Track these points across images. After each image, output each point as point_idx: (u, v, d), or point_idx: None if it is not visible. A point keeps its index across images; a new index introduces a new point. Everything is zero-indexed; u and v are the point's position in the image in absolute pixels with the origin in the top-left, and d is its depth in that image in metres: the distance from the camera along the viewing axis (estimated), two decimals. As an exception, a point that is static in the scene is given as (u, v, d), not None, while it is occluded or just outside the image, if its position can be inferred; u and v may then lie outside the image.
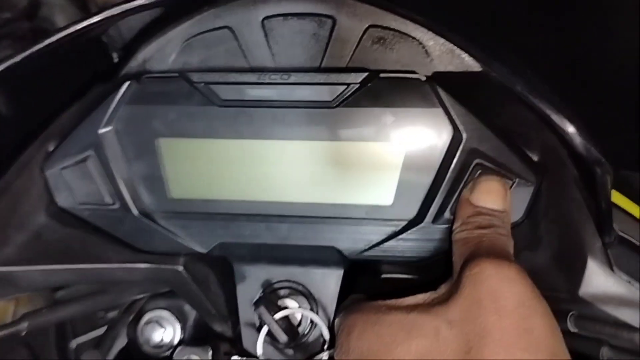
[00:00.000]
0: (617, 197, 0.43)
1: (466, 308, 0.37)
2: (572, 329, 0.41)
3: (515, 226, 0.47)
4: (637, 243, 0.42)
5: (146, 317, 0.58)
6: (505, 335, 0.34)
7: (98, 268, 0.50)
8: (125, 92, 0.48)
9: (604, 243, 0.41)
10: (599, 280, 0.41)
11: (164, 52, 0.51)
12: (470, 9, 0.50)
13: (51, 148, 0.51)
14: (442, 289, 0.41)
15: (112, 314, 0.67)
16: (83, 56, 0.53)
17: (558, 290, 0.43)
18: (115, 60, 0.54)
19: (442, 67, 0.49)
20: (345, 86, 0.46)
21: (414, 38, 0.49)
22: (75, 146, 0.50)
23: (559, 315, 0.40)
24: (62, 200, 0.51)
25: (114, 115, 0.48)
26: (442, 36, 0.43)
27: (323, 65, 0.50)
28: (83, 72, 0.54)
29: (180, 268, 0.51)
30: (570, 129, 0.37)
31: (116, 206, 0.51)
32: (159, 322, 0.58)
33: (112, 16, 0.43)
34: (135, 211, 0.50)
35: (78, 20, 0.42)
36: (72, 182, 0.51)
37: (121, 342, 0.60)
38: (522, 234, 0.47)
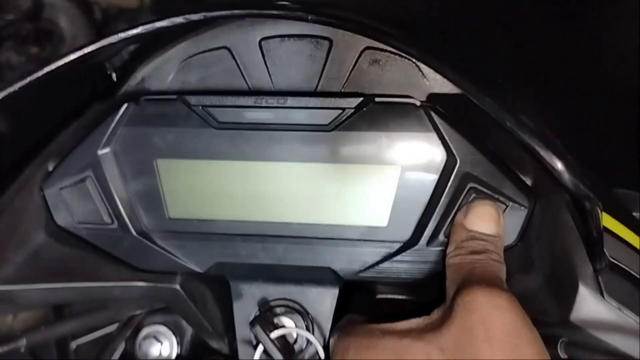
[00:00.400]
0: (609, 222, 0.43)
1: (458, 336, 0.37)
2: (563, 355, 0.42)
3: (507, 249, 0.48)
4: (629, 270, 0.42)
5: (144, 331, 0.59)
6: None
7: (96, 286, 0.51)
8: (123, 113, 0.49)
9: (595, 269, 0.42)
10: (589, 306, 0.41)
11: (163, 71, 0.52)
12: (471, 10, 0.50)
13: (50, 168, 0.52)
14: (435, 314, 0.42)
15: (110, 328, 0.68)
16: (82, 75, 0.53)
17: (549, 314, 0.43)
18: (114, 79, 0.54)
19: (437, 89, 0.49)
20: (340, 110, 0.47)
21: (409, 60, 0.49)
22: (74, 166, 0.50)
23: (550, 340, 0.41)
24: (61, 219, 0.52)
25: (112, 136, 0.49)
26: (433, 68, 0.43)
27: (320, 85, 0.51)
28: (82, 90, 0.54)
29: (177, 287, 0.51)
30: (559, 165, 0.37)
31: (114, 226, 0.51)
32: (156, 337, 0.58)
33: (110, 44, 0.43)
34: (133, 231, 0.51)
35: (75, 49, 0.43)
36: (71, 201, 0.51)
37: (119, 356, 0.61)
38: (515, 258, 0.47)
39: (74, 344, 0.65)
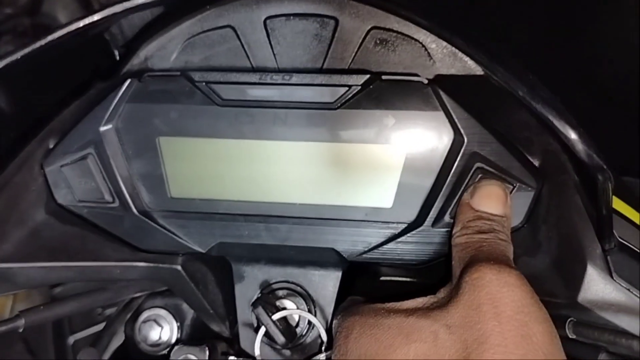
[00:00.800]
0: (617, 204, 0.43)
1: (465, 313, 0.37)
2: (571, 335, 0.41)
3: (515, 231, 0.47)
4: (638, 250, 0.41)
5: (144, 315, 0.58)
6: (504, 341, 0.34)
7: (96, 266, 0.50)
8: (126, 89, 0.48)
9: (604, 249, 0.41)
10: (598, 286, 0.41)
11: (166, 50, 0.51)
12: (472, 11, 0.50)
13: (51, 145, 0.51)
14: (442, 293, 0.41)
15: (109, 311, 0.67)
16: (85, 53, 0.53)
17: (557, 295, 0.43)
18: (117, 57, 0.54)
19: (444, 70, 0.49)
20: (347, 88, 0.46)
21: (416, 40, 0.48)
22: (76, 143, 0.50)
23: (558, 321, 0.40)
24: (62, 197, 0.51)
25: (114, 113, 0.48)
26: (445, 39, 0.43)
27: (325, 66, 0.50)
28: (84, 69, 0.54)
29: (179, 267, 0.51)
30: (573, 135, 0.36)
31: (115, 204, 0.51)
32: (156, 321, 0.57)
33: (115, 14, 0.43)
34: (134, 210, 0.50)
35: (80, 17, 0.42)
36: (72, 179, 0.50)
37: (118, 340, 0.60)
38: (522, 239, 0.47)
39: (71, 339, 0.64)
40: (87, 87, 0.53)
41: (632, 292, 0.40)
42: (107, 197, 0.51)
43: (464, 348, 0.35)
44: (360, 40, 0.49)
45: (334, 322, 0.47)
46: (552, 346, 0.35)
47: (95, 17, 0.42)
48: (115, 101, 0.48)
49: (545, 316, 0.37)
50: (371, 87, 0.46)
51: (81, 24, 0.42)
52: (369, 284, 0.53)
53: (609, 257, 0.41)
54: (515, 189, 0.46)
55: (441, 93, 0.45)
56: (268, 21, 0.50)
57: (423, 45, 0.49)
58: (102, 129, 0.49)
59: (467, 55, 0.41)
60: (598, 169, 0.37)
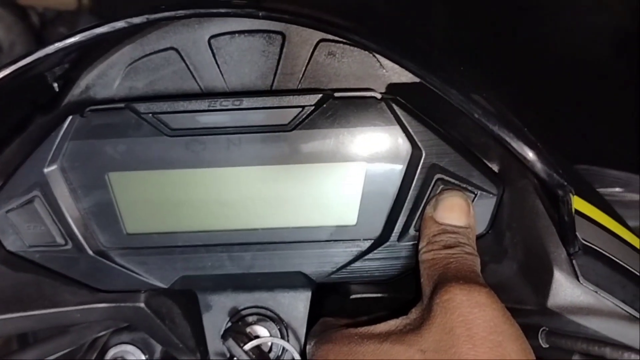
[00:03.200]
0: (579, 204, 0.43)
1: (439, 337, 0.36)
2: (544, 345, 0.41)
3: (479, 238, 0.47)
4: (602, 251, 0.42)
5: (110, 353, 0.56)
6: None
7: (55, 312, 0.48)
8: (68, 127, 0.46)
9: (569, 254, 0.41)
10: (566, 291, 0.41)
11: (108, 77, 0.49)
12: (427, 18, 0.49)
13: (-6, 190, 0.48)
14: (413, 314, 0.41)
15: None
16: (21, 87, 0.50)
17: (526, 302, 0.43)
18: (56, 89, 0.51)
19: (396, 79, 0.48)
20: (300, 108, 0.45)
21: (366, 51, 0.47)
22: (20, 187, 0.47)
23: (529, 330, 0.40)
24: (10, 244, 0.49)
25: (58, 152, 0.46)
26: (397, 63, 0.42)
27: (275, 83, 0.48)
28: (22, 104, 0.51)
29: (142, 305, 0.49)
30: (531, 155, 0.36)
31: (68, 246, 0.48)
32: (124, 358, 0.56)
33: (48, 55, 0.40)
34: (89, 250, 0.48)
35: (11, 62, 0.40)
36: (20, 224, 0.48)
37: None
38: (487, 247, 0.47)
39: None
40: (27, 123, 0.50)
41: (599, 295, 0.40)
42: (59, 240, 0.48)
43: None
44: (309, 54, 0.48)
45: (308, 348, 0.46)
46: None
47: (27, 59, 0.40)
48: (58, 140, 0.46)
49: (518, 332, 0.37)
50: (324, 105, 0.45)
51: (12, 68, 0.40)
52: (339, 303, 0.53)
53: (574, 261, 0.41)
54: (477, 197, 0.46)
55: (395, 107, 0.45)
56: (213, 40, 0.48)
57: (374, 56, 0.48)
58: (47, 170, 0.46)
59: (418, 77, 0.40)
60: (558, 186, 0.36)
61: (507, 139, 0.36)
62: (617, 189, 0.59)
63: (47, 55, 0.40)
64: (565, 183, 0.36)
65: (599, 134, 0.65)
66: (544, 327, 0.41)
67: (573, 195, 0.37)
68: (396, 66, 0.47)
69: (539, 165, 0.36)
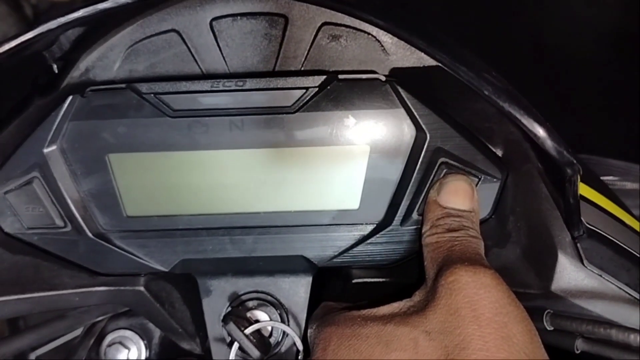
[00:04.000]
0: (582, 189, 0.43)
1: (444, 318, 0.36)
2: (549, 327, 0.41)
3: (482, 223, 0.47)
4: (606, 235, 0.42)
5: (108, 338, 0.56)
6: (485, 345, 0.34)
7: (53, 295, 0.47)
8: (68, 107, 0.45)
9: (573, 237, 0.41)
10: (570, 275, 0.41)
11: (108, 59, 0.48)
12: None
13: (-8, 171, 0.47)
14: (417, 296, 0.40)
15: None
16: (20, 68, 0.49)
17: (530, 286, 0.43)
18: (55, 70, 0.50)
19: (399, 63, 0.48)
20: (303, 90, 0.44)
21: (369, 34, 0.47)
22: (19, 168, 0.46)
23: (534, 313, 0.40)
24: (8, 226, 0.48)
25: (58, 132, 0.45)
26: (402, 39, 0.41)
27: (277, 66, 0.48)
28: (21, 85, 0.50)
29: (142, 288, 0.49)
30: (541, 132, 0.36)
31: (68, 229, 0.48)
32: (122, 343, 0.55)
33: (50, 30, 0.40)
34: (88, 233, 0.48)
35: (12, 36, 0.39)
36: (18, 206, 0.47)
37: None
38: (490, 231, 0.46)
39: (32, 356, 0.61)
40: (26, 104, 0.49)
41: (603, 278, 0.40)
42: (58, 222, 0.48)
43: (445, 354, 0.35)
44: (312, 38, 0.47)
45: (310, 331, 0.46)
46: (532, 345, 0.35)
47: (29, 35, 0.39)
48: (58, 120, 0.45)
49: (524, 314, 0.36)
50: (329, 87, 0.44)
51: (13, 43, 0.39)
52: (341, 287, 0.53)
53: (578, 245, 0.41)
54: (481, 181, 0.46)
55: (400, 90, 0.44)
56: (214, 23, 0.47)
57: (377, 39, 0.47)
58: (46, 150, 0.46)
59: (427, 54, 0.40)
60: (568, 164, 0.36)
61: (518, 115, 0.36)
62: (617, 178, 0.59)
63: (50, 31, 0.40)
64: (575, 161, 0.36)
65: (599, 124, 0.65)
66: (548, 310, 0.41)
67: (580, 174, 0.37)
68: (400, 50, 0.47)
69: (549, 143, 0.36)
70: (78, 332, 0.60)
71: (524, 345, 0.34)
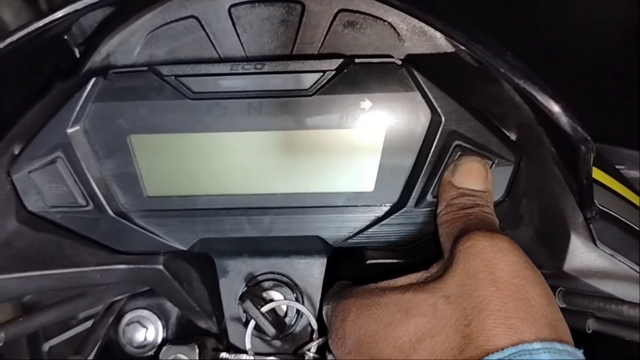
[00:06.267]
0: (595, 172, 0.43)
1: (462, 282, 0.37)
2: (561, 304, 0.42)
3: (496, 205, 0.47)
4: (618, 216, 0.42)
5: (127, 317, 0.57)
6: (504, 306, 0.34)
7: (75, 272, 0.48)
8: (91, 89, 0.46)
9: (586, 218, 0.42)
10: (582, 255, 0.42)
11: (129, 44, 0.49)
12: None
13: (17, 151, 0.49)
14: (435, 267, 0.41)
15: (83, 314, 0.65)
16: (43, 52, 0.50)
17: (543, 266, 0.43)
18: (77, 55, 0.51)
19: (414, 50, 0.48)
20: (321, 73, 0.45)
21: (385, 21, 0.48)
22: (43, 148, 0.48)
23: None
24: (32, 204, 0.50)
25: (81, 113, 0.47)
26: (421, 19, 0.42)
27: (294, 52, 0.49)
28: (44, 69, 0.51)
29: (161, 267, 0.50)
30: (556, 108, 0.37)
31: (90, 207, 0.49)
32: (140, 322, 0.56)
33: (75, 11, 0.41)
34: (110, 211, 0.49)
35: (39, 17, 0.40)
36: (42, 185, 0.49)
37: (102, 344, 0.58)
38: (504, 213, 0.47)
39: (46, 346, 0.62)
40: (49, 87, 0.50)
41: (615, 258, 0.41)
42: (81, 201, 0.49)
43: (464, 316, 0.35)
44: (328, 24, 0.48)
45: (326, 307, 0.47)
46: (549, 307, 0.35)
47: (58, 14, 0.40)
48: (82, 101, 0.46)
49: (540, 278, 0.37)
50: (345, 71, 0.45)
51: (41, 23, 0.40)
52: (355, 268, 0.53)
53: (591, 225, 0.42)
54: (495, 164, 0.47)
55: (416, 73, 0.45)
56: (233, 9, 0.48)
57: (392, 26, 0.48)
58: (70, 130, 0.47)
59: (444, 34, 0.41)
60: (582, 140, 0.37)
61: (533, 92, 0.37)
62: (619, 166, 0.60)
63: (77, 11, 0.41)
64: (589, 138, 0.36)
65: (610, 115, 0.65)
66: (561, 288, 0.42)
67: (594, 152, 0.38)
68: (415, 37, 0.48)
69: (564, 119, 0.36)
70: (89, 323, 0.61)
71: (542, 307, 0.34)
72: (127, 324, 0.56)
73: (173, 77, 0.46)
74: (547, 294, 0.36)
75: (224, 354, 0.49)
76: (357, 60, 0.46)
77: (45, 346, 0.62)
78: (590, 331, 0.43)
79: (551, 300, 0.36)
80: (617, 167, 0.59)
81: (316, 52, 0.49)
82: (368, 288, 0.42)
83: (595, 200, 0.42)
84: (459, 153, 0.46)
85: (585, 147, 0.37)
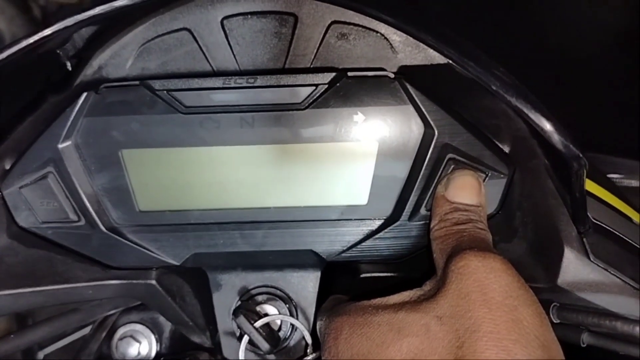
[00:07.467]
0: (588, 185, 0.43)
1: (455, 303, 0.36)
2: (555, 320, 0.41)
3: (489, 218, 0.47)
4: (612, 229, 0.42)
5: (120, 332, 0.56)
6: (496, 327, 0.34)
7: (66, 288, 0.48)
8: (83, 103, 0.46)
9: (579, 232, 0.42)
10: (576, 269, 0.41)
11: (120, 57, 0.49)
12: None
13: (7, 166, 0.48)
14: (427, 285, 0.41)
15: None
16: (34, 66, 0.50)
17: (536, 280, 0.43)
18: (69, 68, 0.51)
19: (407, 61, 0.48)
20: (313, 87, 0.45)
21: (377, 32, 0.48)
22: (34, 163, 0.47)
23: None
24: (23, 220, 0.49)
25: (72, 128, 0.46)
26: (411, 35, 0.42)
27: (287, 64, 0.49)
28: (35, 82, 0.51)
29: (154, 282, 0.49)
30: (548, 126, 0.36)
31: (81, 223, 0.49)
32: (133, 337, 0.56)
33: (67, 27, 0.40)
34: (102, 227, 0.48)
35: (30, 34, 0.40)
36: (33, 200, 0.48)
37: (94, 359, 0.58)
38: (498, 226, 0.47)
39: (40, 354, 0.62)
40: (40, 101, 0.50)
41: (609, 272, 0.41)
42: (72, 216, 0.49)
43: (456, 338, 0.35)
44: (321, 36, 0.48)
45: (320, 323, 0.47)
46: (542, 328, 0.35)
47: (47, 31, 0.40)
48: (73, 116, 0.46)
49: (533, 298, 0.37)
50: (338, 84, 0.45)
51: (31, 40, 0.40)
52: (349, 282, 0.53)
53: (585, 239, 0.42)
54: (488, 177, 0.47)
55: (408, 86, 0.45)
56: (225, 21, 0.48)
57: (385, 37, 0.48)
58: (61, 145, 0.46)
59: (436, 50, 0.41)
60: (574, 158, 0.37)
61: (525, 109, 0.37)
62: (623, 176, 0.60)
63: (67, 27, 0.41)
64: (581, 155, 0.36)
65: (604, 122, 0.65)
66: (555, 303, 0.42)
67: (587, 169, 0.38)
68: (408, 49, 0.48)
69: (556, 137, 0.36)
70: (86, 330, 0.61)
71: (534, 328, 0.34)
72: (120, 339, 0.56)
73: (165, 92, 0.46)
74: (539, 314, 0.36)
75: (217, 370, 0.49)
76: (349, 74, 0.45)
77: (40, 354, 0.62)
78: (584, 345, 0.43)
79: (543, 320, 0.36)
80: (616, 176, 0.60)
81: (309, 65, 0.49)
82: (361, 305, 0.42)
83: (588, 214, 0.42)
84: (452, 166, 0.46)
85: (577, 164, 0.37)
